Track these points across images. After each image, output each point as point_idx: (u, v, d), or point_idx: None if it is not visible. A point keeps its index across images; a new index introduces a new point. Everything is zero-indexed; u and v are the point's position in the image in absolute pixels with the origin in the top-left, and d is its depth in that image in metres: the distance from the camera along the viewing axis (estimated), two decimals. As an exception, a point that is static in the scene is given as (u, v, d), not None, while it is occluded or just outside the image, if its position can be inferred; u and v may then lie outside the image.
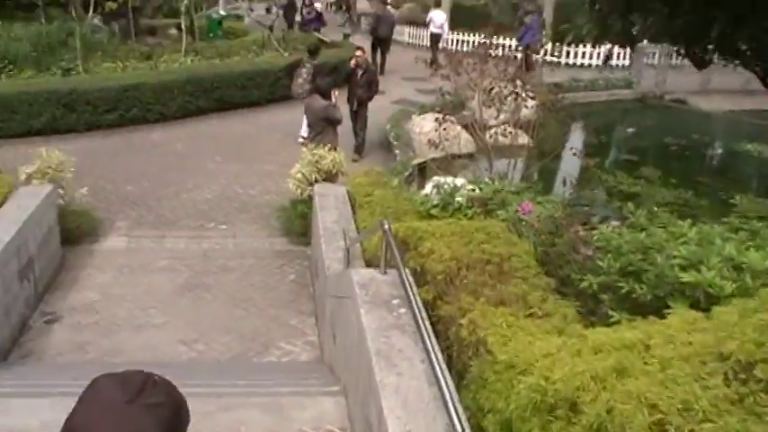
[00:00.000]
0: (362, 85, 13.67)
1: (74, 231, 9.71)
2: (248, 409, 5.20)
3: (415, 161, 12.21)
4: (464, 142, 14.86)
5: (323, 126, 10.83)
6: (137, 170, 12.98)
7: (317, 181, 9.67)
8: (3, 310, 7.16)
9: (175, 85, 16.10)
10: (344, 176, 10.03)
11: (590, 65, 25.31)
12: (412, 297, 4.25)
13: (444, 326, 4.41)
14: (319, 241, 7.85)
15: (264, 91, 17.65)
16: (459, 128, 15.76)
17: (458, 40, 26.99)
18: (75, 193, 9.75)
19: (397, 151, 13.87)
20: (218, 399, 5.30)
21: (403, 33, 29.96)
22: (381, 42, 22.69)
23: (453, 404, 3.21)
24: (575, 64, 25.31)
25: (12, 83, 15.78)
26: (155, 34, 24.52)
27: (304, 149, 10.23)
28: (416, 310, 4.10)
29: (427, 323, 4.02)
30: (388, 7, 26.32)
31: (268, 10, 31.50)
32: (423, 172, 11.68)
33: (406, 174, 11.96)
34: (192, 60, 18.51)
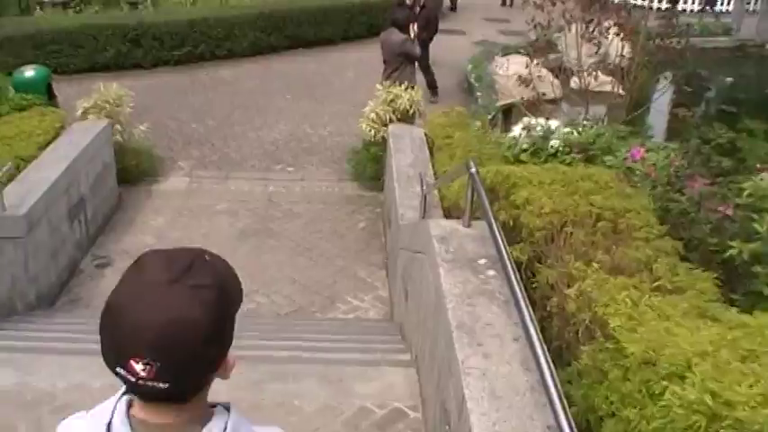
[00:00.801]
0: (420, 24, 11.92)
1: (132, 170, 9.15)
2: (304, 379, 4.49)
3: (500, 102, 11.11)
4: (549, 87, 13.94)
5: (399, 62, 9.92)
6: (202, 108, 12.37)
7: (391, 121, 8.89)
8: (49, 253, 6.67)
9: (246, 20, 15.24)
10: (422, 118, 9.20)
11: (684, 10, 23.47)
12: (505, 257, 3.40)
13: (543, 294, 3.57)
14: (393, 186, 7.07)
15: (339, 28, 16.66)
16: (546, 70, 14.92)
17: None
18: (135, 129, 9.15)
19: (478, 93, 12.89)
20: (271, 365, 4.60)
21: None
22: None
23: (561, 402, 2.41)
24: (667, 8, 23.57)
25: (76, 17, 15.17)
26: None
27: (379, 87, 9.40)
28: (510, 274, 3.26)
29: (523, 291, 3.19)
30: None
31: None
32: (507, 115, 10.66)
33: (489, 117, 11.01)
34: (263, -6, 17.66)
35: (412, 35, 10.04)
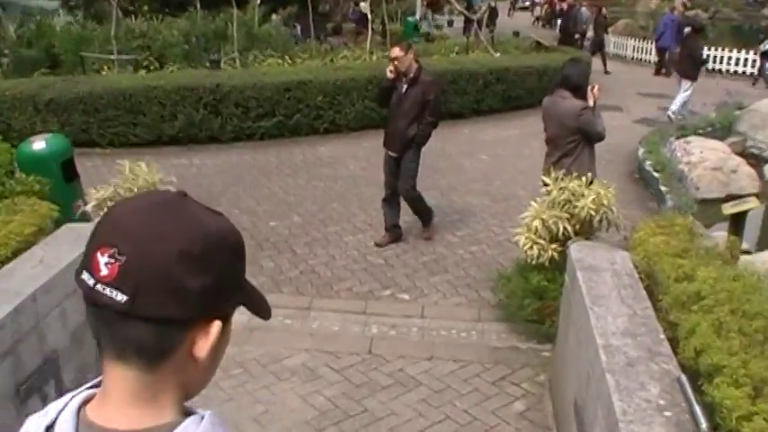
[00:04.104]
0: (407, 111, 7.41)
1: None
2: None
3: (730, 209, 7.21)
4: (746, 179, 11.11)
5: (575, 142, 6.51)
6: (287, 198, 9.40)
7: (565, 236, 5.56)
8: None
9: (354, 85, 12.30)
10: (616, 229, 5.86)
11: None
12: None
13: None
14: (599, 373, 3.59)
15: (469, 99, 13.57)
16: (737, 158, 11.71)
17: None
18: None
19: (663, 188, 9.36)
20: None
21: (626, 47, 25.70)
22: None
23: None
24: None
25: (139, 77, 12.56)
26: (339, 33, 21.30)
27: (545, 179, 6.07)
28: None
29: None
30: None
31: (450, 23, 31.70)
32: (738, 223, 7.02)
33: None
34: (378, 58, 14.74)
35: (591, 102, 6.60)
